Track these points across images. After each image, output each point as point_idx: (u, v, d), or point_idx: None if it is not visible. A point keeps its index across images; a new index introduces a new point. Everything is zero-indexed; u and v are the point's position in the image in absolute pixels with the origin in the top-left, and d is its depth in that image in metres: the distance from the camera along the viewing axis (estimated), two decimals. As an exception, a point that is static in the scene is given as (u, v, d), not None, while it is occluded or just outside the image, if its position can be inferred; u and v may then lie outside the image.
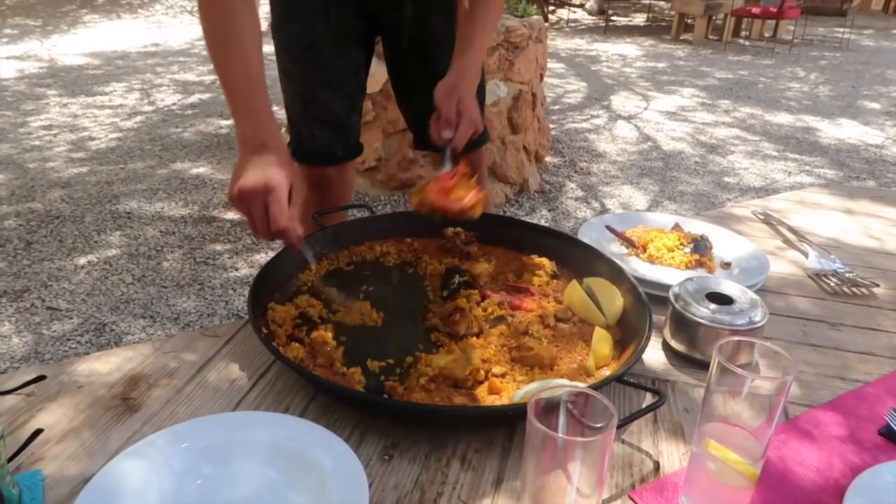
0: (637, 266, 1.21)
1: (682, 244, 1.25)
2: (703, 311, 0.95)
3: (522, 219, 3.35)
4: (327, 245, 1.16)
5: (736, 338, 0.67)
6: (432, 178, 1.10)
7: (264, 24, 1.12)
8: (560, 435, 0.56)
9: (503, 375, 0.88)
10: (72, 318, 2.45)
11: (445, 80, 1.23)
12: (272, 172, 0.93)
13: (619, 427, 0.77)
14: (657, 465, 0.78)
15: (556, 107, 5.76)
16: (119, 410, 0.84)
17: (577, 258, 1.12)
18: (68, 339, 2.32)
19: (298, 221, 0.96)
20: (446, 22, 1.46)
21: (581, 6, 12.50)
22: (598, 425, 0.58)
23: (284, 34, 1.44)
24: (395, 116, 3.37)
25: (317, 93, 1.46)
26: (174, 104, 5.32)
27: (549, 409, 0.60)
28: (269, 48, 1.22)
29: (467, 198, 1.07)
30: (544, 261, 1.11)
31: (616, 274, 1.05)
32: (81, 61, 6.73)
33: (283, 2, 1.43)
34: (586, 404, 0.60)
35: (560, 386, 0.62)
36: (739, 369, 0.62)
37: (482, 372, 0.87)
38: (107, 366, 0.93)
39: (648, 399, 0.89)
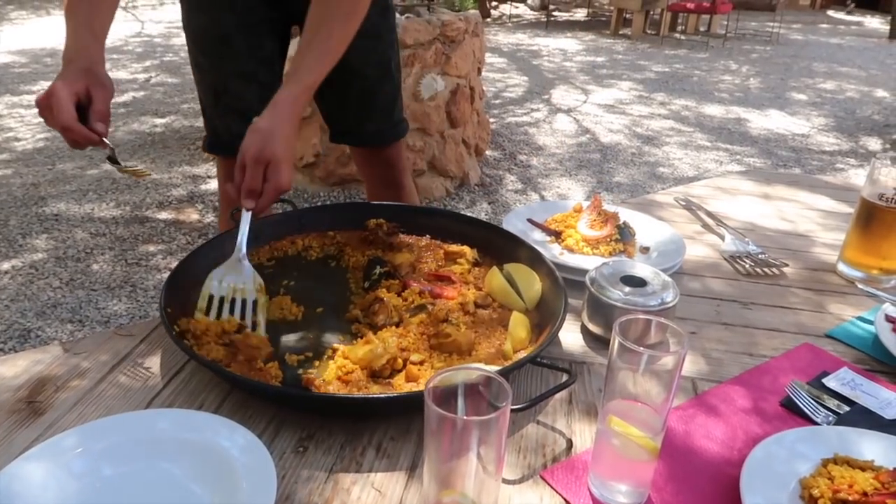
0: (558, 253, 1.23)
1: (609, 238, 1.25)
2: (617, 294, 0.98)
3: (461, 211, 3.38)
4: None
5: (632, 316, 0.69)
6: None
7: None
8: (456, 415, 0.57)
9: (421, 363, 0.88)
10: (-6, 326, 2.35)
11: (256, 124, 1.03)
12: (55, 85, 1.01)
13: (530, 406, 0.79)
14: (570, 445, 0.80)
15: (497, 101, 5.81)
16: (24, 415, 0.81)
17: (498, 245, 1.14)
18: (-10, 349, 2.23)
19: (97, 119, 1.03)
20: None
21: (523, 2, 12.63)
22: (501, 405, 0.59)
23: (193, 25, 1.42)
24: (332, 112, 3.33)
25: (228, 84, 1.44)
26: (106, 103, 5.14)
27: (449, 393, 0.60)
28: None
29: None
30: (465, 249, 1.12)
31: (534, 259, 1.07)
32: (7, 59, 6.46)
33: None
34: (487, 386, 0.61)
35: (474, 369, 0.62)
36: (633, 344, 0.64)
37: (400, 361, 0.88)
38: (12, 369, 0.89)
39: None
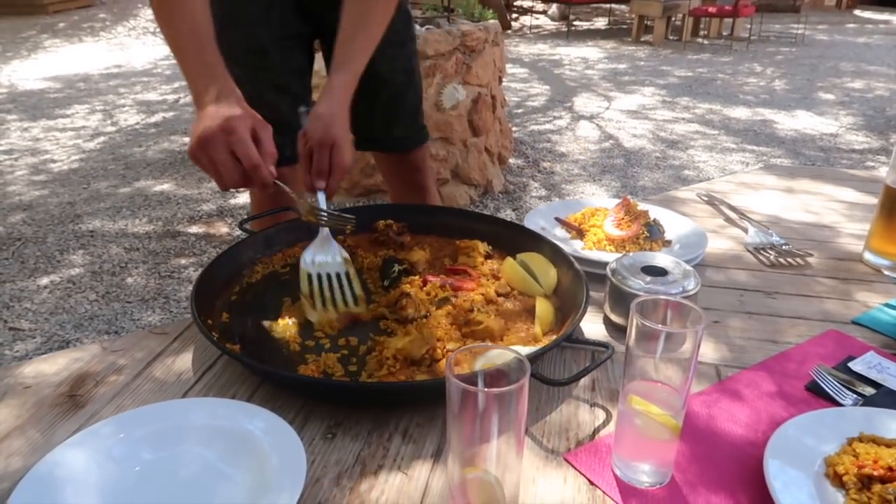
0: (580, 248, 1.24)
1: (636, 237, 1.24)
2: (639, 283, 0.98)
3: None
4: (260, 250, 1.16)
5: (650, 296, 0.70)
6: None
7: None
8: (476, 388, 0.58)
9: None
10: (35, 338, 2.43)
11: (319, 109, 1.13)
12: (229, 114, 0.94)
13: (574, 380, 0.83)
14: (594, 430, 0.81)
15: (520, 110, 5.83)
16: (65, 407, 0.84)
17: (506, 237, 1.17)
18: (31, 359, 2.29)
19: (271, 161, 0.97)
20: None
21: (544, 12, 12.67)
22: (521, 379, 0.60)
23: (229, 40, 1.44)
24: (356, 124, 3.38)
25: (264, 95, 1.48)
26: (137, 124, 5.29)
27: (470, 380, 0.61)
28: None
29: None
30: (476, 242, 1.14)
31: (544, 246, 1.11)
32: (42, 85, 6.67)
33: (226, 9, 1.43)
34: (507, 367, 0.62)
35: (511, 351, 0.64)
36: (651, 322, 0.65)
37: (439, 351, 0.90)
38: (54, 367, 0.93)
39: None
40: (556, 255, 1.08)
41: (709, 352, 0.97)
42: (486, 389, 0.57)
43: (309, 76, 1.56)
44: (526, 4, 13.22)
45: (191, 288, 1.02)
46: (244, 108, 0.99)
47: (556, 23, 11.82)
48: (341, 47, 1.20)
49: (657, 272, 1.01)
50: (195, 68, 1.02)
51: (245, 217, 3.45)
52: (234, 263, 1.10)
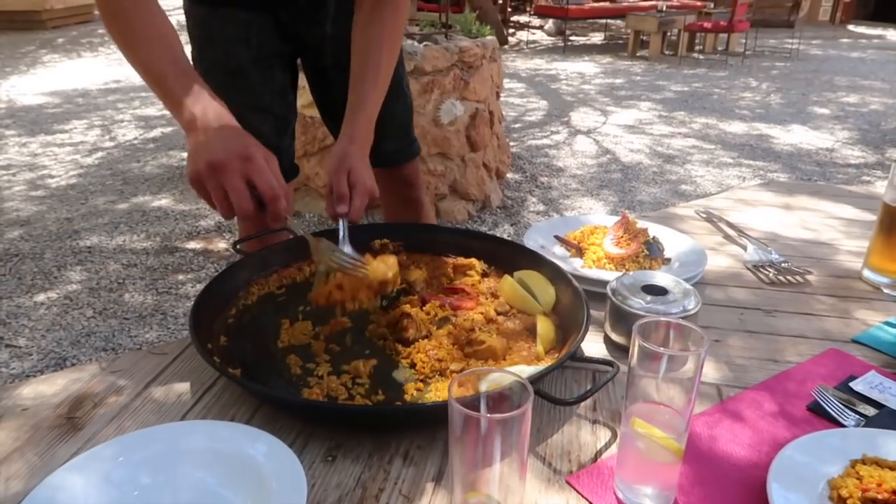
0: (579, 266, 1.24)
1: (636, 256, 1.25)
2: (639, 303, 0.99)
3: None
4: (255, 271, 1.14)
5: (652, 318, 0.70)
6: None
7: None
8: (479, 413, 0.58)
9: (461, 371, 0.89)
10: (31, 355, 2.41)
11: (335, 148, 1.17)
12: (244, 140, 0.91)
13: (580, 401, 0.82)
14: (596, 452, 0.81)
15: (517, 125, 5.86)
16: (64, 429, 0.84)
17: (502, 255, 1.17)
18: (28, 376, 2.28)
19: (285, 195, 0.94)
20: None
21: (540, 28, 12.76)
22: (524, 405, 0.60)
23: (207, 61, 1.42)
24: (354, 139, 3.39)
25: (244, 117, 1.45)
26: (135, 139, 5.30)
27: (472, 403, 0.61)
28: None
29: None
30: (473, 261, 1.15)
31: (542, 264, 1.11)
32: (41, 101, 6.67)
33: (203, 30, 1.42)
34: (510, 391, 0.62)
35: (497, 371, 0.64)
36: (654, 345, 0.65)
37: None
38: (52, 387, 0.93)
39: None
40: (554, 273, 1.08)
41: (710, 371, 0.97)
42: (488, 415, 0.57)
43: (293, 95, 1.54)
44: (522, 20, 13.32)
45: (189, 304, 1.01)
46: (252, 136, 0.96)
47: (553, 38, 11.90)
48: (355, 91, 1.23)
49: (657, 291, 1.01)
50: (181, 89, 0.97)
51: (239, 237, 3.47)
52: (230, 286, 1.10)
